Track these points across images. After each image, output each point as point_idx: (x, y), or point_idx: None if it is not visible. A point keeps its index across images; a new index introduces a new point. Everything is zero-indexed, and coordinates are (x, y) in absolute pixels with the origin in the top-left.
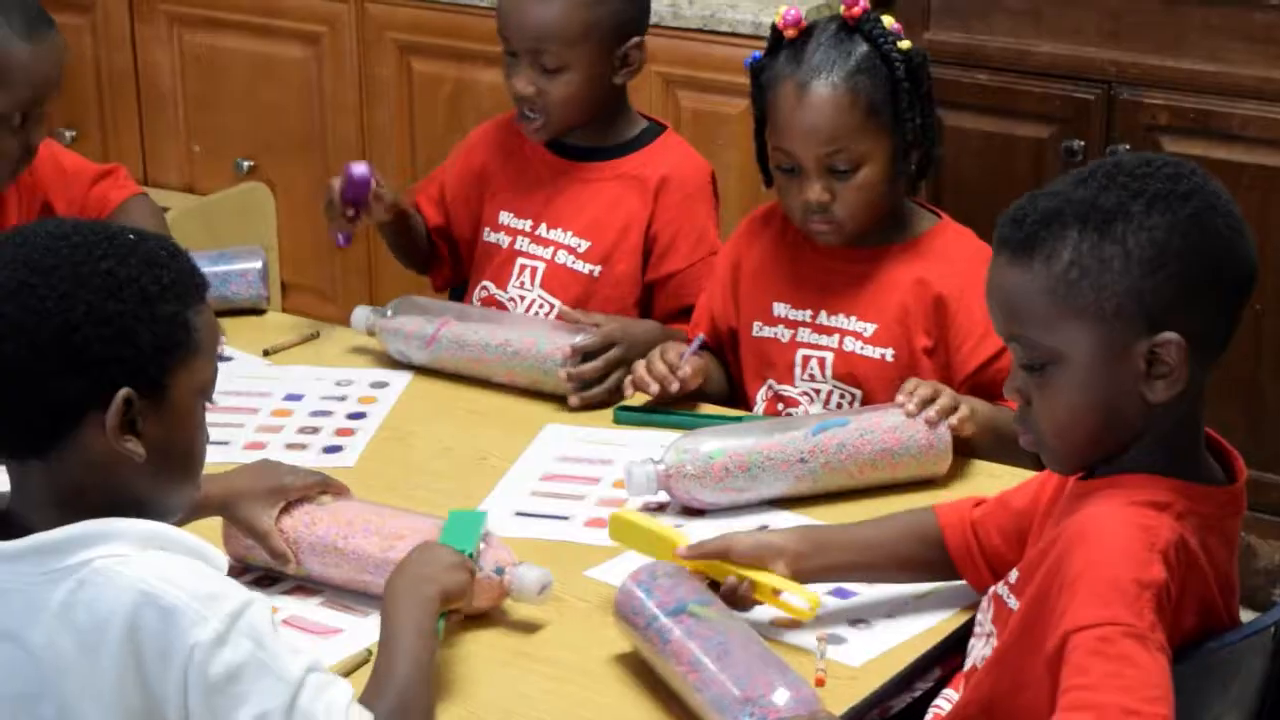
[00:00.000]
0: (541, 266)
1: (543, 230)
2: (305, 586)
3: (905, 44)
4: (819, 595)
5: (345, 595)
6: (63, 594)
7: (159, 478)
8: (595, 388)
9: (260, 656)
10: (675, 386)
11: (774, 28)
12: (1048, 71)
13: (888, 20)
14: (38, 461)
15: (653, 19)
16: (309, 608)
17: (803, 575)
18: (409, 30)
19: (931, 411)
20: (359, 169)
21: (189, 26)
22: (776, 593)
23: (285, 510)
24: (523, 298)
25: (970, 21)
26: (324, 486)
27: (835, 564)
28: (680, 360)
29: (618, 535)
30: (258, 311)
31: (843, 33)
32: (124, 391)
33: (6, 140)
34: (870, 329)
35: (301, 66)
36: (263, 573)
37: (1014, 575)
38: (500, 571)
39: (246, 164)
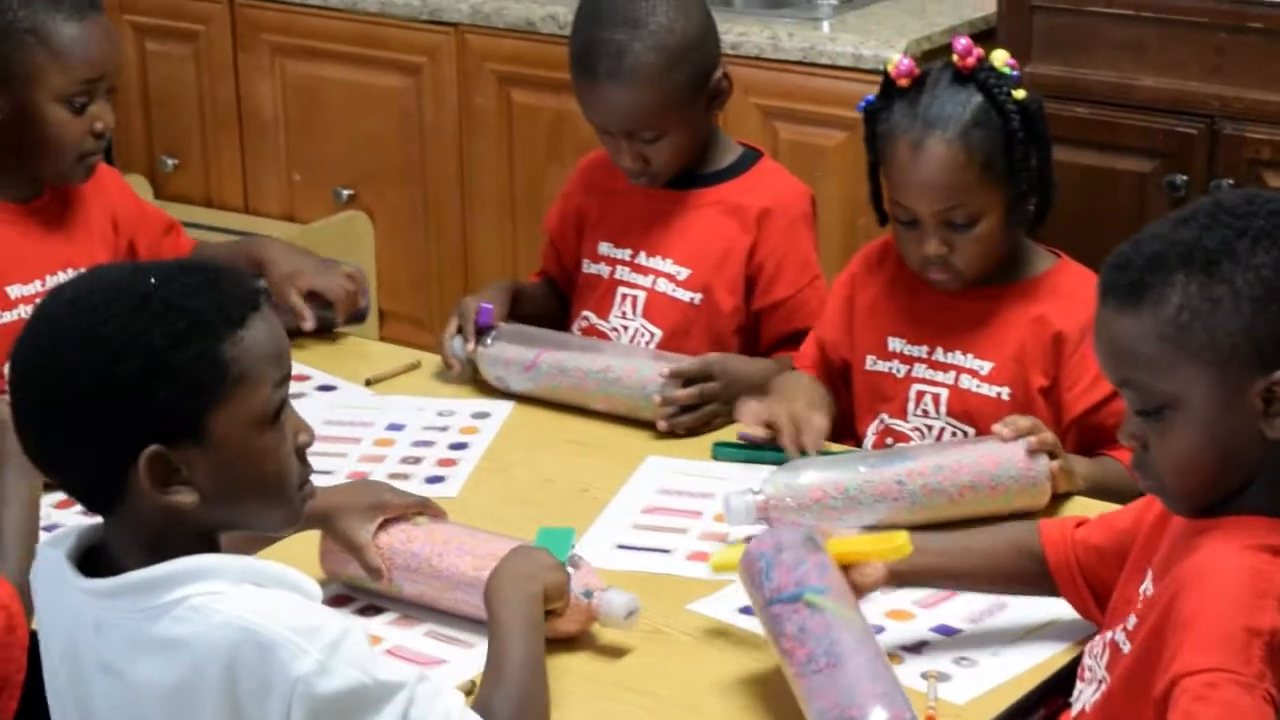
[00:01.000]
0: (642, 295)
1: (642, 258)
2: (409, 616)
3: (1020, 93)
4: (903, 536)
5: (449, 625)
6: (160, 630)
7: (241, 505)
8: (685, 415)
9: (365, 681)
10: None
11: (885, 75)
12: (1150, 105)
13: (1000, 58)
14: (109, 516)
15: (752, 50)
16: (413, 637)
17: (899, 576)
18: (509, 61)
19: (1030, 439)
20: (486, 313)
21: (291, 56)
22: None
23: (383, 527)
24: (625, 328)
25: (1071, 55)
26: (422, 507)
27: (932, 566)
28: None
29: (724, 565)
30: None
31: (957, 83)
32: (148, 451)
33: (72, 124)
34: (986, 367)
35: (401, 96)
36: (367, 603)
37: (1132, 621)
38: (588, 595)
39: (346, 193)
